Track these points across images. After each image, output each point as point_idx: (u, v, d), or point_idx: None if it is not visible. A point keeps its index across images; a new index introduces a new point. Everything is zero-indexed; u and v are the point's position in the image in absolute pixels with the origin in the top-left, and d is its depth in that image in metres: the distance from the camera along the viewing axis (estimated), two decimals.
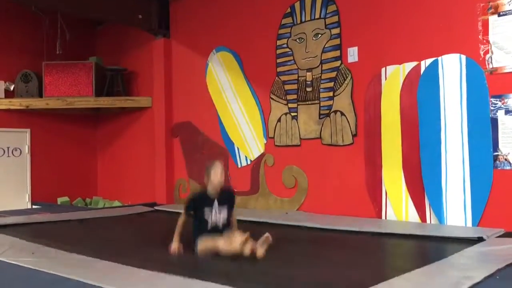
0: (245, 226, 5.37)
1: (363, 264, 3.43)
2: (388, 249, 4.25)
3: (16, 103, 7.80)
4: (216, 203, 3.66)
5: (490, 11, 4.54)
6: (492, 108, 4.51)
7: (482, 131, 4.55)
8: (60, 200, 8.12)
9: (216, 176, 3.64)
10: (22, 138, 8.07)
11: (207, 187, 3.70)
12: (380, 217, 5.24)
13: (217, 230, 3.63)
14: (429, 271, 3.05)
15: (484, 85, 4.56)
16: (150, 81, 7.91)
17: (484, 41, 4.57)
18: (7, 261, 3.42)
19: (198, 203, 3.70)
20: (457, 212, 4.68)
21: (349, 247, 4.13)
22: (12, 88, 7.85)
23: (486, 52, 4.56)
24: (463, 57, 4.69)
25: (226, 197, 3.77)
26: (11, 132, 7.94)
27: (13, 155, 7.95)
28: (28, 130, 8.12)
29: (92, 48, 8.95)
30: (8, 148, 7.90)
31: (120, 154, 8.60)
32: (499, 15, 4.49)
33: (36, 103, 7.81)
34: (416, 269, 3.05)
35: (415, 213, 4.99)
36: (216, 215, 3.65)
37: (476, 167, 4.58)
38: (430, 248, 4.07)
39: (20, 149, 8.03)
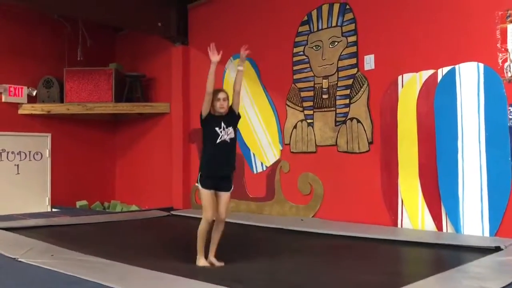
0: (261, 232, 5.41)
1: (376, 271, 3.43)
2: (403, 256, 4.23)
3: (38, 108, 7.98)
4: (223, 123, 3.82)
5: (509, 19, 4.51)
6: (510, 116, 4.47)
7: (500, 140, 4.50)
8: (79, 203, 8.25)
9: (218, 103, 3.83)
10: (43, 142, 8.24)
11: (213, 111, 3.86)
12: (396, 225, 5.20)
13: (226, 144, 3.81)
14: (443, 279, 3.03)
15: (502, 94, 4.52)
16: (169, 87, 8.02)
17: (503, 49, 4.53)
18: (27, 262, 3.51)
19: (209, 121, 3.85)
20: (474, 221, 4.63)
21: (363, 253, 4.12)
22: (34, 93, 8.04)
23: (505, 61, 4.52)
24: (481, 65, 4.66)
25: (231, 118, 3.91)
26: (33, 137, 8.12)
27: (34, 159, 8.12)
28: (49, 135, 8.28)
29: (112, 55, 9.11)
30: (29, 152, 8.08)
31: (138, 159, 8.71)
32: None
33: (57, 108, 7.98)
34: (430, 277, 3.04)
35: (431, 221, 4.95)
36: (224, 133, 3.82)
37: (494, 176, 4.53)
38: (446, 256, 4.04)
39: (41, 153, 8.20)
